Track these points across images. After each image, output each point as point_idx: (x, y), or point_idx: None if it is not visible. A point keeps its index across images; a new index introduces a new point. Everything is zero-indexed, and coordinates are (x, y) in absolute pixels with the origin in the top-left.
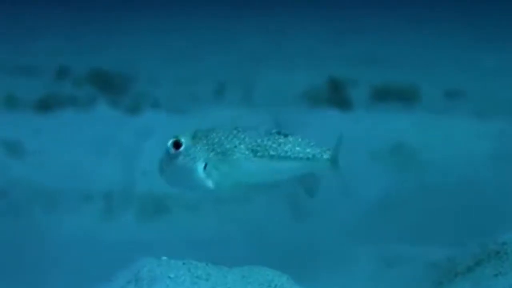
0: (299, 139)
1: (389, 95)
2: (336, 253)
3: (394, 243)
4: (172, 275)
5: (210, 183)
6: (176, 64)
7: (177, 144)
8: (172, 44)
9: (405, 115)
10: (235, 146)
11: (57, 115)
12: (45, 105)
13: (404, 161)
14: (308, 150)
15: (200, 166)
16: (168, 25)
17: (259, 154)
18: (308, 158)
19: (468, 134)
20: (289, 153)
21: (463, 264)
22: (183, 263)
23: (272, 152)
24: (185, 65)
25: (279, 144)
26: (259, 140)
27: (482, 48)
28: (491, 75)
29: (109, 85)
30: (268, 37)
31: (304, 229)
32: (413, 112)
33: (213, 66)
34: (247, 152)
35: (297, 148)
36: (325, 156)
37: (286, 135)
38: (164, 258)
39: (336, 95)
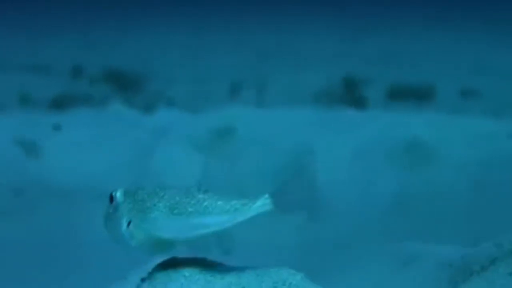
0: (220, 195)
1: (404, 94)
2: (350, 252)
3: (409, 242)
4: (187, 274)
5: (132, 240)
6: (191, 64)
7: (111, 198)
8: (186, 44)
9: (420, 114)
10: (154, 205)
11: (72, 114)
12: (60, 104)
13: (419, 160)
14: (233, 201)
15: (124, 223)
16: (183, 25)
17: (175, 211)
18: (235, 209)
19: (482, 133)
20: (209, 209)
21: (478, 263)
22: (198, 262)
23: (190, 209)
24: (199, 64)
25: (198, 200)
26: (177, 198)
27: (497, 47)
28: (506, 75)
29: (123, 84)
30: (283, 36)
31: (319, 228)
32: (428, 111)
33: (227, 65)
34: (164, 210)
35: (219, 203)
36: (259, 203)
37: (205, 191)
38: None
39: (351, 94)
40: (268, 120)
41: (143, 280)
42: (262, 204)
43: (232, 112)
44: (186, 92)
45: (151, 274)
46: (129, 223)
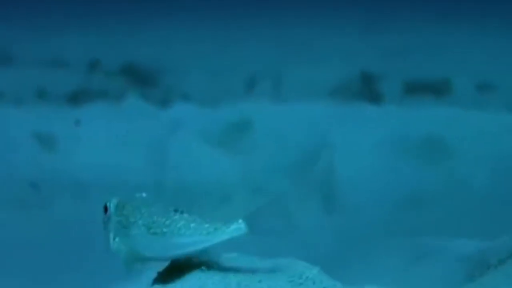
0: (195, 217)
1: (421, 89)
2: (367, 246)
3: (426, 236)
4: (203, 268)
5: (118, 254)
6: (207, 58)
7: (105, 209)
8: (203, 38)
9: (437, 109)
10: (135, 221)
11: (89, 108)
12: (77, 98)
13: (435, 154)
14: (206, 225)
15: (111, 237)
16: (199, 19)
17: (151, 230)
18: (208, 233)
19: (499, 128)
20: (182, 230)
21: (495, 256)
22: (214, 256)
23: (164, 229)
24: (215, 58)
25: (173, 221)
26: (155, 217)
27: None
28: None
29: (140, 78)
30: (299, 31)
31: (336, 222)
32: (444, 105)
33: (244, 59)
34: (142, 228)
35: (192, 225)
36: (233, 227)
37: (182, 212)
38: (144, 194)
39: (368, 89)
40: (284, 115)
41: (159, 273)
42: (236, 228)
43: (248, 106)
44: (202, 86)
45: (167, 268)
46: (115, 237)
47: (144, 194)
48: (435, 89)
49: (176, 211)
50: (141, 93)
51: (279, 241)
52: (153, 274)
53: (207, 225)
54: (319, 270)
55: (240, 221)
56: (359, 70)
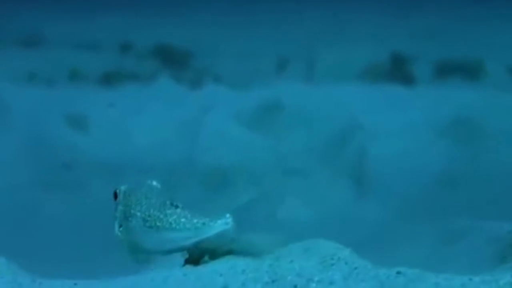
0: (186, 211)
1: (453, 70)
2: (399, 227)
3: (457, 218)
4: (235, 248)
5: (123, 244)
6: (238, 39)
7: (115, 195)
8: (234, 19)
9: (468, 90)
10: (135, 213)
11: (120, 89)
12: (109, 80)
13: (467, 136)
14: (195, 220)
15: (117, 225)
16: (230, 1)
17: (147, 224)
18: (196, 228)
19: None
20: (173, 225)
21: None
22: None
23: (158, 223)
24: (247, 40)
25: (165, 215)
26: (151, 210)
27: None
28: None
29: (171, 59)
30: (331, 12)
31: (367, 204)
32: (476, 87)
33: (275, 41)
34: (140, 220)
35: (182, 220)
36: (220, 222)
37: (176, 207)
38: (154, 182)
39: (399, 71)
40: (315, 96)
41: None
42: (223, 222)
43: (279, 87)
44: (233, 67)
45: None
46: (120, 226)
47: (154, 182)
48: (466, 71)
49: (172, 205)
50: (173, 74)
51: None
52: (185, 254)
53: (195, 220)
54: (350, 251)
55: (228, 215)
56: (391, 51)
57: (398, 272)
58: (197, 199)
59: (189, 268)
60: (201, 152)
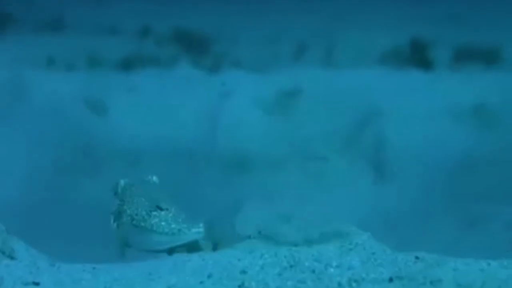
0: (170, 214)
1: (472, 56)
2: (418, 213)
3: (477, 203)
4: (252, 235)
5: (117, 237)
6: (258, 24)
7: (116, 187)
8: (253, 4)
9: (488, 76)
10: (125, 210)
11: (140, 74)
12: (128, 65)
13: (486, 121)
14: (173, 225)
15: (112, 218)
16: None
17: (134, 222)
18: (172, 233)
19: None
20: (154, 227)
21: None
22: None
23: (142, 223)
24: (266, 24)
25: (150, 217)
26: (139, 209)
27: None
28: None
29: (191, 44)
30: None
31: (386, 189)
32: (496, 72)
33: (294, 25)
34: (128, 218)
35: (162, 223)
36: (194, 230)
37: (161, 209)
38: (154, 178)
39: (419, 56)
40: (335, 81)
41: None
42: (196, 232)
43: (298, 73)
44: (253, 52)
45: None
46: (114, 220)
47: (154, 178)
48: (486, 56)
49: (158, 207)
50: (192, 60)
51: (330, 208)
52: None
53: (173, 225)
54: (369, 235)
55: (201, 225)
56: (410, 36)
57: (417, 257)
58: (216, 184)
59: (208, 253)
60: (220, 137)
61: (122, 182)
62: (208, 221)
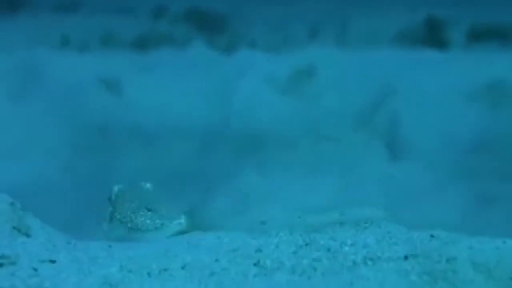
0: (157, 213)
1: (487, 35)
2: (433, 191)
3: (491, 182)
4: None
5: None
6: (272, 4)
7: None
8: None
9: (503, 55)
10: (115, 215)
11: (155, 54)
12: (143, 44)
13: (501, 100)
14: (157, 221)
15: (104, 224)
16: None
17: (122, 224)
18: (156, 228)
19: None
20: (139, 226)
21: None
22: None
23: (129, 224)
24: (281, 5)
25: (136, 217)
26: (128, 212)
27: None
28: None
29: (205, 24)
30: None
31: (401, 168)
32: (510, 52)
33: (308, 6)
34: (118, 222)
35: (148, 221)
36: (175, 222)
37: (149, 210)
38: (148, 185)
39: (434, 35)
40: (348, 61)
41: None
42: (177, 223)
43: (313, 52)
44: (267, 32)
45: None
46: (106, 224)
47: (148, 185)
48: (501, 35)
49: (146, 208)
50: (207, 39)
51: (345, 187)
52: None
53: (157, 221)
54: (384, 214)
55: (182, 217)
56: (425, 16)
57: (432, 236)
58: (230, 162)
59: (223, 231)
60: (234, 116)
61: (116, 188)
62: (189, 211)
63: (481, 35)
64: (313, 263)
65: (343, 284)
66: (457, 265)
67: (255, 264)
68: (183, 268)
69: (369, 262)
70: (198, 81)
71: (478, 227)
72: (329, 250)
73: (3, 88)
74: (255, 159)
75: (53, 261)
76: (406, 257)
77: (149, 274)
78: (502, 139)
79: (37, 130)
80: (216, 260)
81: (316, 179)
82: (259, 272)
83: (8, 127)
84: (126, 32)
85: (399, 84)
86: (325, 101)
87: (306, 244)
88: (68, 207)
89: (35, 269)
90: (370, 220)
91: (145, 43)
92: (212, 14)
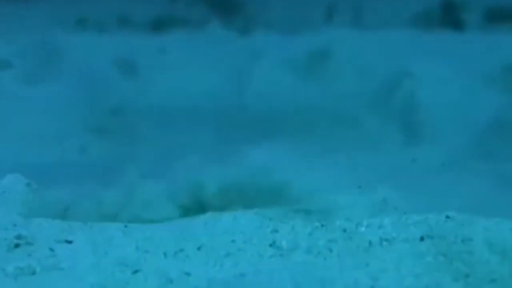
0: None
1: (503, 17)
2: (450, 173)
3: (508, 164)
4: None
5: None
6: None
7: None
8: None
9: None
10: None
11: (170, 35)
12: (159, 26)
13: None
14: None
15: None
16: None
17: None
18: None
19: None
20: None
21: None
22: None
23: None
24: None
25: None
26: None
27: None
28: None
29: (221, 6)
30: None
31: (417, 150)
32: None
33: None
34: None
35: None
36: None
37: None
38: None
39: (450, 17)
40: (365, 43)
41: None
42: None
43: (329, 34)
44: (283, 14)
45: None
46: None
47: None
48: None
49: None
50: (222, 21)
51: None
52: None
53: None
54: (400, 196)
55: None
56: None
57: (447, 217)
58: (246, 145)
59: (239, 212)
60: (250, 98)
61: None
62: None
63: (497, 17)
64: (329, 244)
65: (359, 265)
66: (472, 246)
67: (270, 245)
68: (199, 249)
69: (385, 243)
70: (213, 62)
71: (495, 209)
72: (344, 231)
73: (20, 70)
74: (270, 141)
75: (69, 242)
76: (421, 238)
77: (165, 254)
78: None
79: (53, 111)
80: (232, 241)
81: (333, 160)
82: (275, 253)
83: (25, 108)
84: (142, 13)
85: (416, 66)
86: (341, 83)
87: (322, 225)
88: (83, 187)
89: (52, 250)
90: (386, 201)
91: (161, 24)
92: None
